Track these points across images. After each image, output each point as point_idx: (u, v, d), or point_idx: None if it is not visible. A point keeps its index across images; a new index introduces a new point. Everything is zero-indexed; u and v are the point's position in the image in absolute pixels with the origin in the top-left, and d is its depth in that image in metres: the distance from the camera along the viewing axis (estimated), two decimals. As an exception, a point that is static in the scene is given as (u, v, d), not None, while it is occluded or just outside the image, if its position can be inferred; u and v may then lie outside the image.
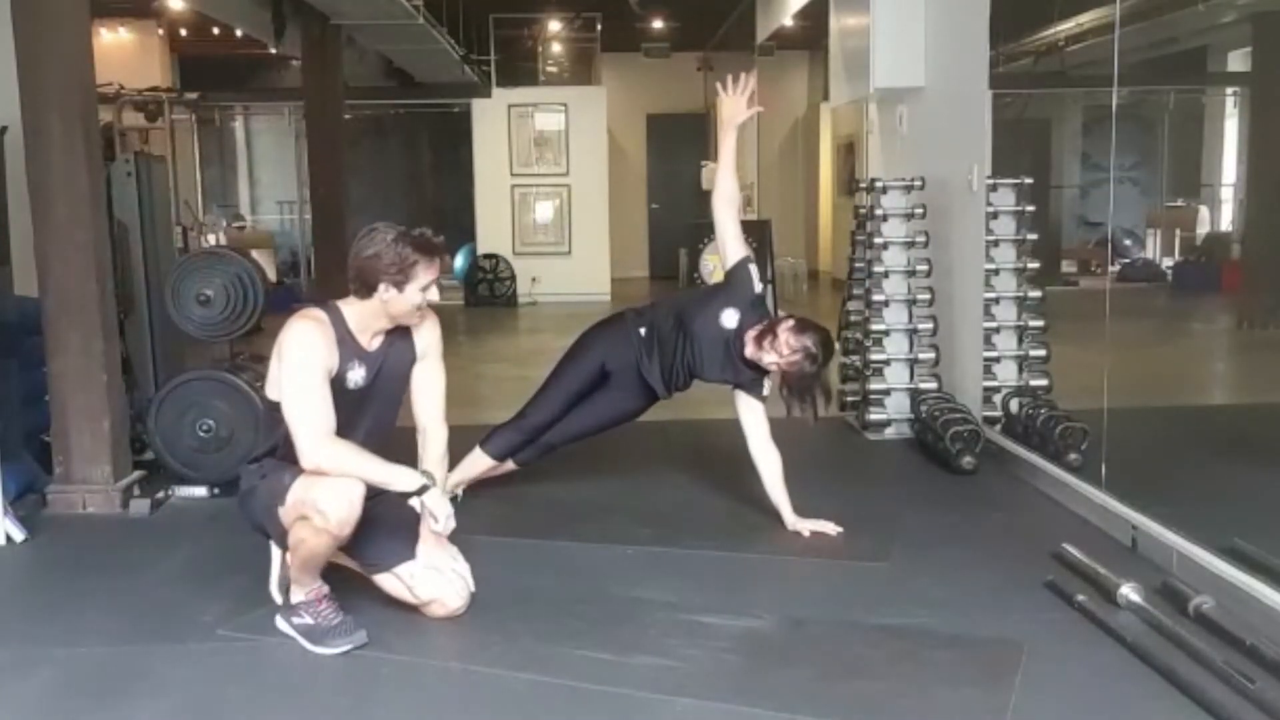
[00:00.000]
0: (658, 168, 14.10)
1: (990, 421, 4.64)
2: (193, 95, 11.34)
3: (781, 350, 3.57)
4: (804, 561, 3.46)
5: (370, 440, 2.79)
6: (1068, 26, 5.63)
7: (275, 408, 2.76)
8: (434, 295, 2.80)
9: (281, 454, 2.78)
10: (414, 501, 2.76)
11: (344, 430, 2.74)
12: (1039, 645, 2.71)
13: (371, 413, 2.87)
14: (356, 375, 2.81)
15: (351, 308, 2.81)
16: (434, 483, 2.75)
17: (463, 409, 5.31)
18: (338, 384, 2.76)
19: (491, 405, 5.49)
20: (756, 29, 10.21)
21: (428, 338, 2.95)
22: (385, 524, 2.84)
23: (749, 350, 3.64)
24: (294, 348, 2.72)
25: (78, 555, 3.58)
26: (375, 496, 2.82)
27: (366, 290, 2.75)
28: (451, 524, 2.77)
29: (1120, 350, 4.34)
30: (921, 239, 5.02)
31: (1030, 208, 4.69)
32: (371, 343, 2.84)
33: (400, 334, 2.90)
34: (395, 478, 2.71)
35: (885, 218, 5.06)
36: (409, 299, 2.76)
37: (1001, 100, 4.90)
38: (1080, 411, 4.22)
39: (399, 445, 2.92)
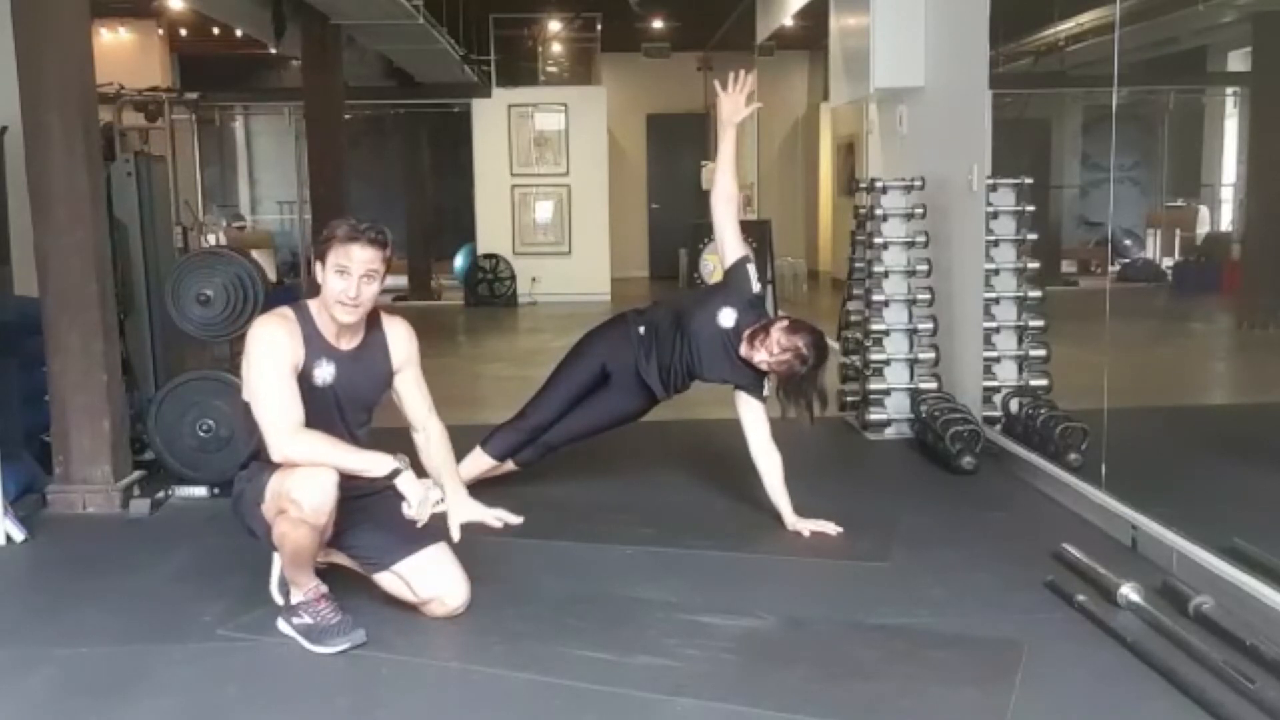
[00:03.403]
0: (658, 168, 14.10)
1: (990, 421, 4.64)
2: (193, 95, 11.33)
3: (772, 349, 3.58)
4: (804, 561, 3.46)
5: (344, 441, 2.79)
6: (1068, 26, 5.63)
7: (250, 411, 2.78)
8: (350, 287, 2.73)
9: (265, 455, 2.77)
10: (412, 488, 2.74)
11: (316, 429, 2.73)
12: (1039, 645, 2.71)
13: (342, 413, 2.86)
14: (324, 373, 2.80)
15: (315, 303, 2.83)
16: (406, 467, 2.73)
17: (463, 409, 5.33)
18: (304, 380, 2.76)
19: (491, 405, 5.49)
20: (756, 29, 10.20)
21: (405, 350, 2.96)
22: (382, 522, 2.84)
23: (743, 349, 3.65)
24: (257, 345, 2.75)
25: (78, 555, 3.58)
26: (369, 495, 2.82)
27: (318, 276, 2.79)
28: (426, 510, 2.73)
29: (1120, 350, 4.34)
30: (921, 239, 5.02)
31: (1030, 208, 4.69)
32: (341, 342, 2.85)
33: (375, 339, 2.90)
34: (368, 464, 2.70)
35: (885, 218, 5.06)
36: (330, 283, 2.75)
37: (1001, 100, 4.90)
38: (1080, 411, 4.22)
39: (395, 446, 2.91)
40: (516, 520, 2.94)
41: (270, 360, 2.72)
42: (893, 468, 4.67)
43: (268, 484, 2.72)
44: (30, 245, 3.97)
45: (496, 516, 2.93)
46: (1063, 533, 3.47)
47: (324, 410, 2.79)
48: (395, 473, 2.70)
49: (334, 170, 9.00)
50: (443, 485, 2.89)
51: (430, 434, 3.01)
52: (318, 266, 2.79)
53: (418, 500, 2.70)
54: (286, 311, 2.84)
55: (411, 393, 3.00)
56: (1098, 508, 3.67)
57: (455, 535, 2.87)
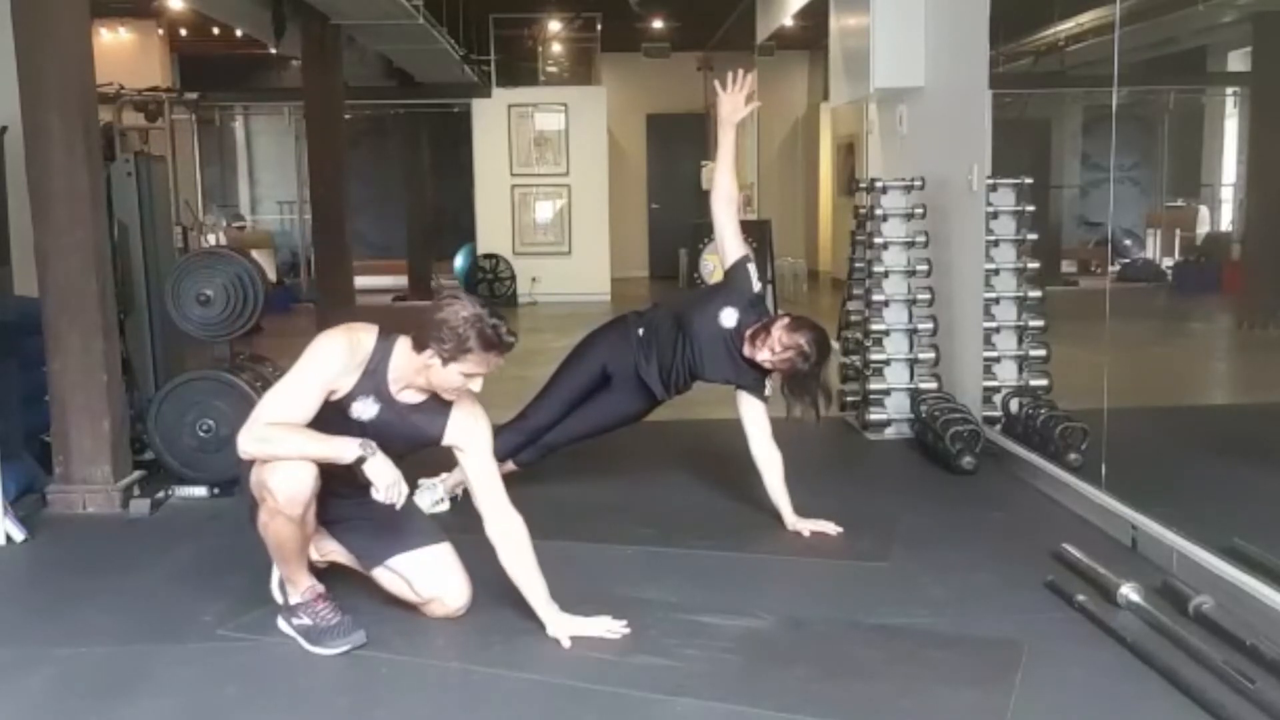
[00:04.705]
0: (658, 168, 14.11)
1: (990, 421, 4.64)
2: (193, 95, 11.33)
3: (774, 348, 3.57)
4: (804, 561, 3.46)
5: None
6: (1068, 26, 5.63)
7: None
8: (476, 386, 2.70)
9: None
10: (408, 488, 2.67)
11: None
12: (1039, 645, 2.71)
13: None
14: (364, 409, 2.73)
15: (403, 350, 2.72)
16: (372, 453, 2.61)
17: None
18: (339, 407, 2.70)
19: (491, 405, 5.47)
20: (756, 29, 10.21)
21: (462, 435, 2.80)
22: (384, 522, 2.83)
23: (745, 349, 3.65)
24: (312, 349, 2.70)
25: (78, 555, 3.59)
26: (368, 497, 2.81)
27: (419, 345, 2.66)
28: (396, 492, 2.62)
29: (1120, 350, 4.34)
30: (921, 239, 5.02)
31: (1030, 208, 4.69)
32: (402, 393, 2.75)
33: (435, 409, 2.79)
34: (333, 450, 2.61)
35: (885, 218, 5.06)
36: (448, 376, 2.66)
37: (1001, 100, 4.90)
38: (1080, 411, 4.22)
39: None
40: (623, 628, 2.78)
41: (311, 370, 2.67)
42: (893, 468, 4.67)
43: (253, 469, 2.69)
44: (30, 245, 3.97)
45: (606, 629, 2.77)
46: (1063, 533, 3.47)
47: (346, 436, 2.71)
48: (361, 459, 2.60)
49: (334, 170, 9.00)
50: (536, 610, 2.78)
51: (509, 533, 2.81)
52: (433, 357, 2.62)
53: (384, 484, 2.60)
54: (365, 336, 2.72)
55: (479, 478, 2.82)
56: (1098, 508, 3.67)
57: (566, 645, 2.72)
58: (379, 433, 2.73)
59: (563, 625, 2.77)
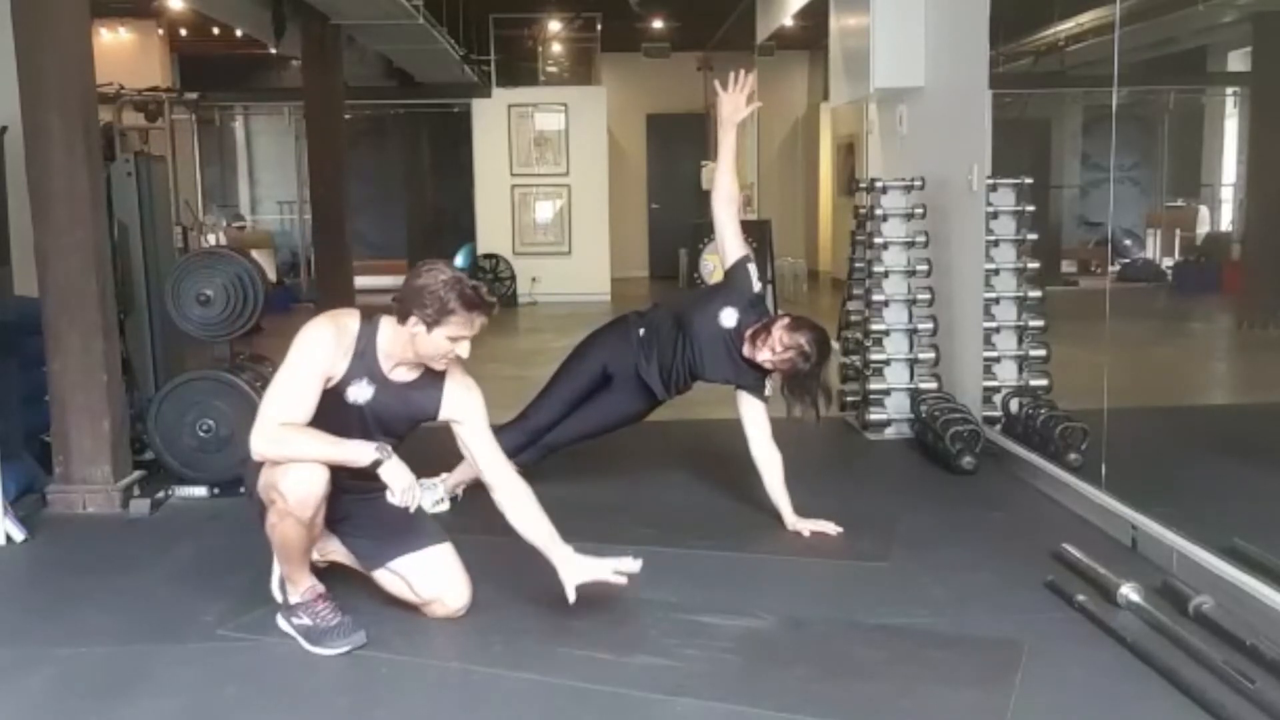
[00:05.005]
0: (658, 168, 14.11)
1: (990, 421, 4.64)
2: (193, 95, 11.34)
3: (775, 348, 3.57)
4: (804, 561, 3.46)
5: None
6: (1068, 26, 5.64)
7: None
8: (463, 351, 2.72)
9: None
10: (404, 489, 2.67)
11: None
12: (1039, 645, 2.71)
13: (367, 433, 2.76)
14: (359, 392, 2.74)
15: (388, 328, 2.74)
16: (388, 456, 2.62)
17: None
18: (335, 393, 2.71)
19: (492, 405, 5.47)
20: (756, 29, 10.21)
21: (459, 407, 2.83)
22: (387, 523, 2.83)
23: (745, 349, 3.65)
24: (299, 341, 2.71)
25: (78, 555, 3.59)
26: (376, 496, 2.81)
27: (401, 316, 2.68)
28: (411, 496, 2.62)
29: (1120, 350, 4.35)
30: (921, 239, 5.02)
31: (1030, 208, 4.69)
32: (394, 371, 2.77)
33: (431, 383, 2.81)
34: (348, 454, 2.62)
35: (885, 218, 5.06)
36: (435, 343, 2.68)
37: (1001, 100, 4.90)
38: (1080, 411, 4.22)
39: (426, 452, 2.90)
40: (635, 567, 2.77)
41: (304, 361, 2.68)
42: (893, 468, 4.67)
43: (262, 470, 2.69)
44: (30, 245, 3.97)
45: (614, 570, 2.75)
46: (1063, 533, 3.47)
47: (345, 424, 2.72)
48: (377, 463, 2.61)
49: (334, 170, 9.01)
50: (548, 554, 2.79)
51: (515, 494, 2.86)
52: (417, 325, 2.65)
53: (401, 488, 2.61)
54: (349, 320, 2.75)
55: (479, 448, 2.86)
56: (1098, 508, 3.67)
57: (571, 598, 2.74)
58: (377, 414, 2.76)
59: (574, 565, 2.76)
